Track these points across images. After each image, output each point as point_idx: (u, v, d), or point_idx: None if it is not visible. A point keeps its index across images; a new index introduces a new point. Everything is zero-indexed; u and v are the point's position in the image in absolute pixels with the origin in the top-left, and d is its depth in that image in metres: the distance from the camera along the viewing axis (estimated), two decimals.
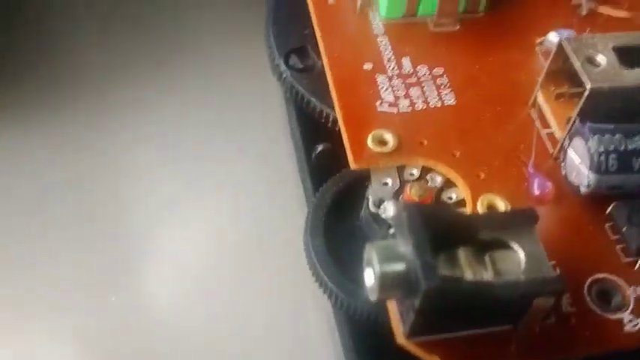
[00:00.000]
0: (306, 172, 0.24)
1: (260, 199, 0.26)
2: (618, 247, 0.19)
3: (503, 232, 0.17)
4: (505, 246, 0.17)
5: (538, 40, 0.24)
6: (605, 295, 0.18)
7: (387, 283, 0.16)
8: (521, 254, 0.17)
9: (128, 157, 0.26)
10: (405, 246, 0.16)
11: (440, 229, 0.17)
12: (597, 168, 0.19)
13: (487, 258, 0.17)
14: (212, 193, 0.26)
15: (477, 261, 0.17)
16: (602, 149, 0.19)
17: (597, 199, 0.20)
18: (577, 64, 0.19)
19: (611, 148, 0.19)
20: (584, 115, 0.19)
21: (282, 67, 0.26)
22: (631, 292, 0.18)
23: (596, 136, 0.19)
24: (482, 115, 0.22)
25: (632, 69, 0.20)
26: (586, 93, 0.19)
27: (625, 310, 0.18)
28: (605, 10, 0.25)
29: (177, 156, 0.27)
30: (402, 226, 0.16)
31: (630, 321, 0.18)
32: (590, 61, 0.20)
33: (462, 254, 0.17)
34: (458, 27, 0.25)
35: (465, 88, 0.23)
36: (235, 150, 0.27)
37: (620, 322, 0.18)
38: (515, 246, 0.17)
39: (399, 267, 0.16)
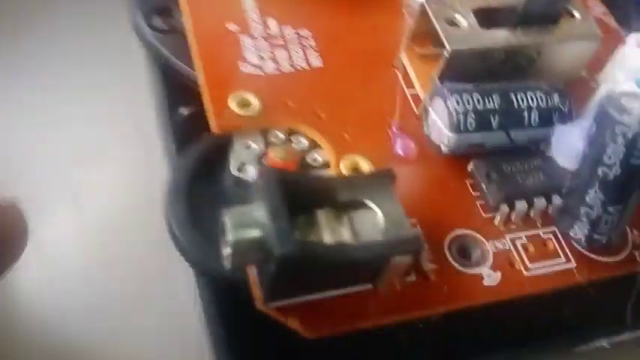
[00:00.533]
0: (170, 137, 0.23)
1: (126, 163, 0.25)
2: (479, 203, 0.19)
3: (362, 193, 0.17)
4: (364, 206, 0.17)
5: (405, 2, 0.24)
6: (465, 250, 0.18)
7: (240, 249, 0.15)
8: (380, 214, 0.17)
9: None
10: (261, 212, 0.16)
11: (299, 193, 0.16)
12: (456, 127, 0.19)
13: (346, 219, 0.17)
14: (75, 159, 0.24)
15: (337, 222, 0.17)
16: (460, 109, 0.19)
17: (459, 157, 0.20)
18: (438, 27, 0.19)
19: (470, 107, 0.19)
20: (444, 76, 0.20)
21: (145, 28, 0.24)
22: (490, 247, 0.19)
23: (454, 96, 0.19)
24: (349, 76, 0.22)
25: (490, 30, 0.20)
26: (446, 55, 0.19)
27: (484, 265, 0.18)
28: None
29: (35, 122, 0.25)
30: (258, 192, 0.16)
31: (489, 275, 0.18)
32: (451, 23, 0.20)
33: (322, 216, 0.17)
34: None
35: (332, 50, 0.22)
36: (99, 114, 0.25)
37: (479, 277, 0.18)
38: (374, 206, 0.17)
39: (254, 233, 0.15)
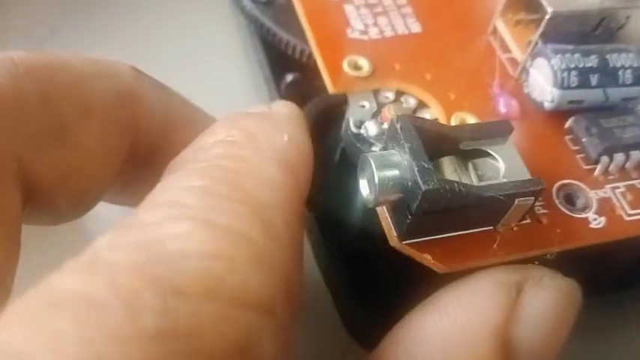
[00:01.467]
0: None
1: None
2: (579, 156, 0.21)
3: (482, 142, 0.19)
4: (485, 154, 0.19)
5: None
6: (571, 197, 0.20)
7: (385, 188, 0.17)
8: (501, 161, 0.18)
9: None
10: (399, 155, 0.17)
11: (427, 140, 0.18)
12: (560, 84, 0.20)
13: (470, 166, 0.18)
14: None
15: (463, 169, 0.18)
16: (564, 66, 0.20)
17: (558, 114, 0.21)
18: None
19: (572, 65, 0.20)
20: (545, 38, 0.21)
21: (246, 1, 0.26)
22: (593, 195, 0.20)
23: (558, 55, 0.20)
24: (446, 41, 0.23)
25: None
26: (547, 16, 0.21)
27: (589, 211, 0.20)
28: None
29: None
30: (396, 136, 0.17)
31: (595, 219, 0.20)
32: None
33: (448, 163, 0.18)
34: None
35: (429, 17, 0.24)
36: (203, 84, 0.27)
37: (585, 221, 0.20)
38: (495, 154, 0.18)
39: (396, 172, 0.17)
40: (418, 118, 0.18)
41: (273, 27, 0.25)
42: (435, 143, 0.18)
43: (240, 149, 0.15)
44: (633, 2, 0.22)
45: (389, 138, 0.18)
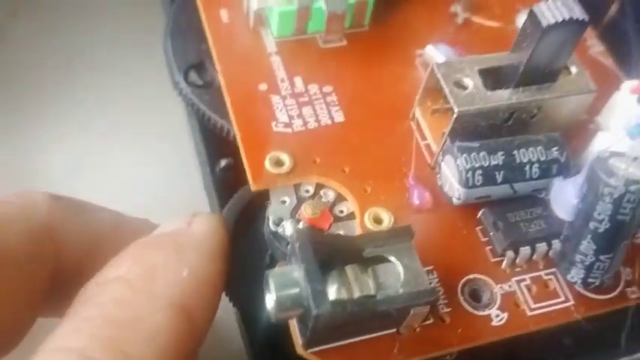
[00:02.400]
0: (211, 186, 0.25)
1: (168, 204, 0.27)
2: (487, 248, 0.22)
3: (384, 249, 0.20)
4: (386, 260, 0.20)
5: (418, 52, 0.26)
6: (477, 293, 0.21)
7: (283, 307, 0.18)
8: (400, 268, 0.19)
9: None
10: (298, 271, 0.18)
11: (329, 253, 0.19)
12: (465, 183, 0.21)
13: (371, 272, 0.19)
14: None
15: (363, 276, 0.19)
16: (469, 166, 0.21)
17: (469, 205, 0.22)
18: (446, 89, 0.22)
19: (477, 165, 0.21)
20: (453, 134, 0.22)
21: (182, 83, 0.27)
22: (497, 290, 0.21)
23: (463, 156, 0.21)
24: (369, 129, 0.24)
25: (495, 90, 0.22)
26: (454, 116, 0.21)
27: (493, 306, 0.21)
28: (478, 19, 0.28)
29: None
30: (295, 254, 0.19)
31: (497, 315, 0.21)
32: (458, 84, 0.22)
33: (350, 271, 0.19)
34: (345, 42, 0.26)
35: (353, 104, 0.25)
36: (141, 164, 0.28)
37: (488, 318, 0.21)
38: (395, 260, 0.20)
39: (294, 291, 0.18)
40: (319, 233, 0.19)
41: (208, 111, 0.26)
42: (337, 254, 0.19)
43: (133, 293, 0.16)
44: (542, 95, 0.22)
45: (291, 253, 0.19)
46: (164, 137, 0.29)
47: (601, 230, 0.19)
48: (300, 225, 0.22)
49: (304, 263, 0.18)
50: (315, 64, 0.26)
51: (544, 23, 0.20)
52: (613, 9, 0.33)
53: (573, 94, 0.23)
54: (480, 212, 0.22)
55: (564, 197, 0.21)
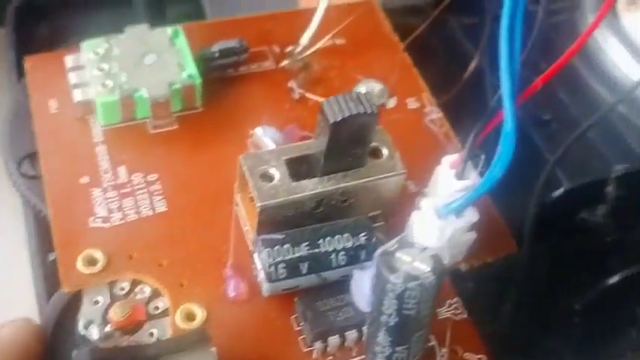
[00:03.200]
0: (40, 280, 0.25)
1: None
2: (300, 338, 0.22)
3: (183, 355, 0.20)
4: None
5: (250, 132, 0.26)
6: None
7: None
8: None
9: None
10: None
11: None
12: (269, 277, 0.21)
13: None
14: None
15: None
16: (271, 261, 0.21)
17: (284, 294, 0.22)
18: (250, 183, 0.22)
19: (280, 259, 0.21)
20: (260, 227, 0.22)
21: (15, 174, 0.26)
22: None
23: (266, 250, 0.21)
24: (192, 218, 0.24)
25: (301, 180, 0.22)
26: (257, 210, 0.22)
27: None
28: (314, 95, 0.28)
29: None
30: None
31: None
32: (264, 176, 0.22)
33: None
34: (176, 126, 0.26)
35: (178, 192, 0.25)
36: None
37: None
38: None
39: None
40: (104, 350, 0.19)
41: (39, 203, 0.26)
42: None
43: None
44: (349, 181, 0.23)
45: None
46: None
47: (392, 324, 0.19)
48: (108, 328, 0.21)
49: None
50: (143, 151, 0.26)
51: (330, 119, 0.20)
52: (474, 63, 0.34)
53: (381, 178, 0.23)
54: (295, 300, 0.22)
55: (361, 288, 0.21)
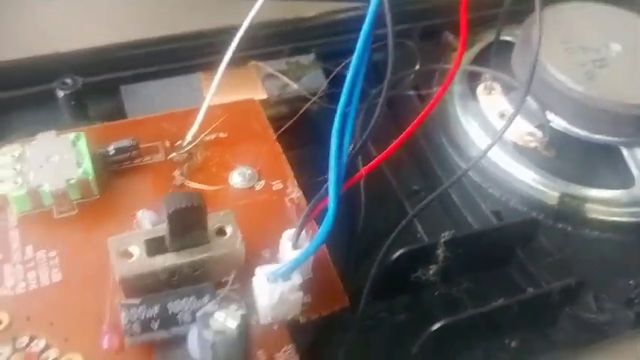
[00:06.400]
0: None
1: None
2: None
3: None
4: None
5: (135, 215, 0.33)
6: None
7: None
8: None
9: None
10: None
11: None
12: (127, 332, 0.28)
13: None
14: None
15: None
16: (127, 319, 0.27)
17: (145, 346, 0.28)
18: (113, 259, 0.28)
19: (134, 318, 0.28)
20: (126, 292, 0.28)
21: None
22: None
23: (125, 312, 0.28)
24: (81, 286, 0.31)
25: (155, 256, 0.29)
26: (118, 279, 0.28)
27: None
28: (192, 183, 0.35)
29: None
30: None
31: None
32: (126, 254, 0.29)
33: None
34: (76, 211, 0.33)
35: (72, 264, 0.31)
36: None
37: None
38: None
39: None
40: None
41: None
42: None
43: None
44: (196, 256, 0.29)
45: None
46: None
47: None
48: None
49: None
50: (49, 233, 0.32)
51: (166, 211, 0.27)
52: None
53: (222, 253, 0.29)
54: (154, 351, 0.28)
55: (192, 341, 0.27)
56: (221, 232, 0.30)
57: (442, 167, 0.43)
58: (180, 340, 0.28)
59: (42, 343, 0.29)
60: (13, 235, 0.32)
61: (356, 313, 0.32)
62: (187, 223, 0.28)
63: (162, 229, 0.29)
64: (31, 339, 0.29)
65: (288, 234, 0.30)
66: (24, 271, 0.31)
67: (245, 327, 0.25)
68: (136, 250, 0.29)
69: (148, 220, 0.32)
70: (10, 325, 0.29)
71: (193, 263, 0.29)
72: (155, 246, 0.29)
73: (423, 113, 0.31)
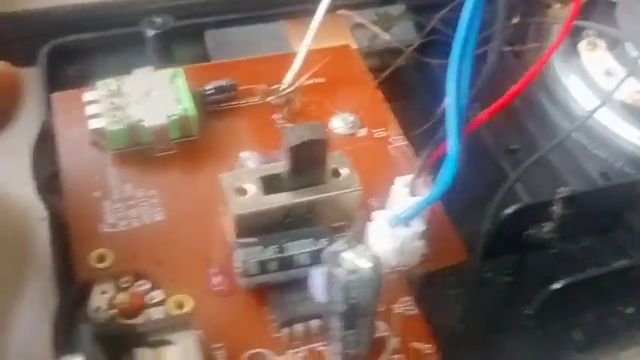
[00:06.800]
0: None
1: None
2: (271, 325, 0.26)
3: (166, 333, 0.24)
4: (169, 343, 0.24)
5: (238, 156, 0.31)
6: None
7: None
8: (179, 350, 0.24)
9: None
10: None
11: (114, 340, 0.23)
12: (244, 273, 0.26)
13: (156, 354, 0.24)
14: None
15: (150, 357, 0.24)
16: (245, 259, 0.26)
17: (258, 289, 0.27)
18: (227, 196, 0.26)
19: (251, 258, 0.26)
20: (238, 232, 0.27)
21: (43, 188, 0.31)
22: None
23: (243, 250, 0.26)
24: (185, 226, 0.29)
25: (272, 194, 0.27)
26: (234, 218, 0.26)
27: None
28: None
29: None
30: (78, 347, 0.23)
31: None
32: (240, 191, 0.27)
33: (139, 354, 0.24)
34: (175, 150, 0.31)
35: (174, 204, 0.29)
36: None
37: None
38: (176, 343, 0.24)
39: None
40: (104, 325, 0.24)
41: (60, 212, 0.30)
42: (125, 340, 0.23)
43: None
44: (313, 196, 0.27)
45: (78, 343, 0.23)
46: None
47: (340, 311, 0.24)
48: (112, 313, 0.26)
49: (85, 354, 0.22)
50: (147, 171, 0.30)
51: (288, 144, 0.25)
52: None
53: (340, 193, 0.27)
54: (267, 293, 0.27)
55: (316, 283, 0.25)
56: (336, 173, 0.28)
57: (540, 126, 0.41)
58: (293, 284, 0.26)
59: (147, 284, 0.27)
60: (110, 172, 0.30)
61: (468, 268, 0.30)
62: (309, 159, 0.26)
63: (276, 166, 0.28)
64: (136, 278, 0.27)
65: (403, 180, 0.28)
66: (124, 208, 0.29)
67: (380, 268, 0.23)
68: (251, 187, 0.27)
69: (253, 161, 0.30)
70: (115, 263, 0.27)
71: (310, 203, 0.27)
72: (270, 184, 0.27)
73: (536, 66, 0.29)
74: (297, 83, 0.34)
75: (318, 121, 0.26)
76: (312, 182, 0.27)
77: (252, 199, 0.27)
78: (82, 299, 0.27)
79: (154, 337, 0.24)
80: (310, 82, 0.35)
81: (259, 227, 0.27)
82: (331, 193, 0.27)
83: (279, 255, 0.26)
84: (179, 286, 0.27)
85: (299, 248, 0.26)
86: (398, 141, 0.33)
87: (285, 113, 0.33)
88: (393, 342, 0.26)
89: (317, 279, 0.25)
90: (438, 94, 0.38)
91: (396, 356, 0.26)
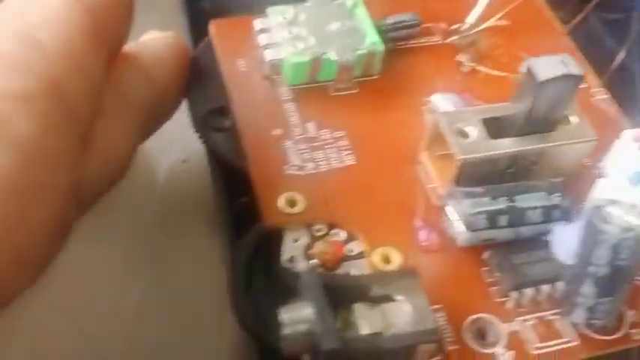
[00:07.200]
0: (230, 225, 0.26)
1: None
2: (492, 288, 0.23)
3: (391, 289, 0.21)
4: (394, 300, 0.20)
5: (425, 100, 0.28)
6: (482, 331, 0.22)
7: (294, 341, 0.19)
8: (407, 306, 0.20)
9: None
10: (308, 309, 0.19)
11: (336, 291, 0.20)
12: (469, 226, 0.22)
13: (379, 311, 0.20)
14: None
15: (372, 314, 0.20)
16: (473, 211, 0.22)
17: (475, 247, 0.23)
18: (449, 138, 0.23)
19: (480, 209, 0.22)
20: (458, 180, 0.23)
21: (202, 126, 0.28)
22: (503, 329, 0.22)
23: (468, 200, 0.22)
24: (378, 172, 0.25)
25: (497, 139, 0.23)
26: (458, 163, 0.22)
27: (499, 345, 0.21)
28: (484, 68, 0.29)
29: None
30: (305, 293, 0.19)
31: (502, 354, 0.21)
32: (461, 133, 0.23)
33: (358, 309, 0.20)
34: (356, 90, 0.28)
35: (363, 148, 0.26)
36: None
37: (493, 356, 0.21)
38: (403, 299, 0.20)
39: (304, 328, 0.19)
40: (326, 272, 0.20)
41: (225, 153, 0.27)
42: (345, 292, 0.20)
43: None
44: (542, 143, 0.23)
45: (303, 293, 0.20)
46: None
47: (600, 274, 0.20)
48: (312, 263, 0.23)
49: (314, 301, 0.19)
50: (327, 111, 0.27)
51: (539, 78, 0.21)
52: (620, 57, 0.35)
53: (573, 142, 0.24)
54: (486, 254, 0.23)
55: (565, 242, 0.21)
56: (566, 120, 0.24)
57: None
58: (518, 244, 0.23)
59: (342, 234, 0.24)
60: (289, 109, 0.27)
61: None
62: (556, 98, 0.22)
63: (499, 107, 0.24)
64: (330, 227, 0.24)
65: (631, 134, 0.24)
66: (309, 150, 0.26)
67: None
68: (473, 130, 0.23)
69: (449, 105, 0.26)
70: (307, 208, 0.24)
71: (540, 152, 0.23)
72: (495, 127, 0.23)
73: None
74: (483, 25, 0.30)
75: (565, 54, 0.22)
76: (544, 128, 0.23)
77: (478, 142, 0.23)
78: (267, 247, 0.24)
79: (378, 292, 0.20)
80: (493, 24, 0.31)
81: (478, 177, 0.23)
82: (564, 142, 0.23)
83: (510, 208, 0.22)
84: (381, 239, 0.23)
85: (532, 202, 0.23)
86: (599, 93, 0.29)
87: (470, 55, 0.30)
88: (629, 315, 0.23)
89: (565, 236, 0.22)
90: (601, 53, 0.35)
91: (634, 330, 0.23)
